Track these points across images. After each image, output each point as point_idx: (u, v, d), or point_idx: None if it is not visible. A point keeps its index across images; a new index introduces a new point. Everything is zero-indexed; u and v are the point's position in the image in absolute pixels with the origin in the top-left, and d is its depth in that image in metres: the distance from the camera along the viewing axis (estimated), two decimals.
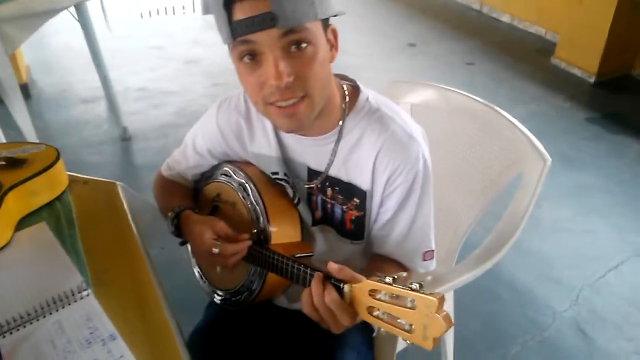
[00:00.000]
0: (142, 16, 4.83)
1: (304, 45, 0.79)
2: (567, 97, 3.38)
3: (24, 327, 0.76)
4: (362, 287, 0.71)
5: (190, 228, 0.99)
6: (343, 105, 0.95)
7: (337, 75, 0.99)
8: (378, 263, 1.02)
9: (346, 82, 0.99)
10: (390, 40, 4.32)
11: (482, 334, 1.82)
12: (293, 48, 0.79)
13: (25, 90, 3.26)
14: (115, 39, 3.77)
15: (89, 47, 2.64)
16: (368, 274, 0.97)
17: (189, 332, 1.11)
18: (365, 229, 1.03)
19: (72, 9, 2.48)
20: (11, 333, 0.75)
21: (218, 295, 1.13)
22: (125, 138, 2.92)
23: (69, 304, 0.79)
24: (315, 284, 0.76)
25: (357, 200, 0.99)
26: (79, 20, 2.53)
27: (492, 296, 1.98)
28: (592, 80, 3.51)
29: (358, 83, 1.00)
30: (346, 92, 0.97)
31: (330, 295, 0.73)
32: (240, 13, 0.75)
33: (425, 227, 1.00)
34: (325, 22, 0.85)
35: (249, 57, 0.80)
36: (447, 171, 1.36)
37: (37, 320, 0.77)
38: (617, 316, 1.89)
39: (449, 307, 1.37)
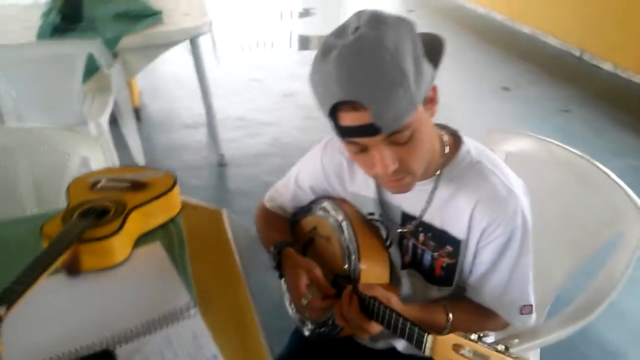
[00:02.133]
0: (243, 49, 5.13)
1: (407, 136, 0.83)
2: None
3: (138, 338, 0.84)
4: (446, 339, 0.73)
5: (289, 268, 1.05)
6: (442, 155, 0.98)
7: (437, 125, 1.02)
8: (475, 304, 1.03)
9: (447, 132, 1.02)
10: (484, 82, 4.29)
11: None
12: (397, 140, 0.83)
13: (137, 113, 3.55)
14: (219, 70, 4.02)
15: (198, 77, 2.85)
16: (460, 307, 1.00)
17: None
18: (455, 277, 1.04)
19: (187, 42, 2.70)
20: (127, 343, 0.83)
21: (304, 325, 1.17)
22: (221, 164, 3.09)
23: (178, 321, 0.87)
24: (344, 297, 0.91)
25: (450, 248, 1.01)
26: (192, 53, 2.74)
27: (580, 357, 1.88)
28: None
29: (460, 134, 1.03)
30: (445, 143, 0.99)
31: (354, 307, 0.88)
32: (345, 120, 0.80)
33: (523, 281, 1.01)
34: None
35: (356, 149, 0.86)
36: (541, 224, 1.33)
37: (150, 333, 0.85)
38: None
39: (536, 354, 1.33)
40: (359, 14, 0.81)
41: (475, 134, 1.41)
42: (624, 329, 1.99)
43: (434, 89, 0.90)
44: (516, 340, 0.69)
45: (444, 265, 1.03)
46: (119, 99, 2.77)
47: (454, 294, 1.08)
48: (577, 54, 4.71)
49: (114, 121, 2.91)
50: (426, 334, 0.77)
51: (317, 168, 1.13)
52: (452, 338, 0.72)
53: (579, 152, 1.31)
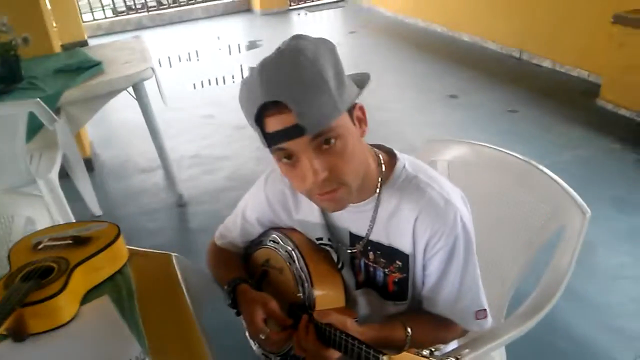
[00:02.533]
0: (194, 87, 5.14)
1: (333, 141, 0.85)
2: (615, 139, 3.31)
3: None
4: (400, 358, 0.74)
5: (245, 305, 1.05)
6: (379, 174, 1.01)
7: (373, 145, 1.05)
8: (430, 315, 1.05)
9: (382, 151, 1.05)
10: (431, 93, 4.40)
11: None
12: (324, 146, 0.85)
13: (89, 163, 3.50)
14: (170, 111, 4.01)
15: (146, 121, 2.85)
16: (418, 320, 1.02)
17: None
18: (408, 291, 1.06)
19: (130, 89, 2.70)
20: None
21: (267, 357, 1.17)
22: (181, 204, 3.07)
23: None
24: (301, 327, 0.92)
25: (400, 263, 1.03)
26: (136, 99, 2.74)
27: (549, 348, 1.91)
28: None
29: (395, 151, 1.05)
30: (382, 161, 1.02)
31: (310, 337, 0.91)
32: (271, 126, 0.83)
33: (474, 287, 1.03)
34: (351, 106, 0.90)
35: (286, 159, 0.88)
36: (490, 226, 1.37)
37: None
38: None
39: (501, 353, 1.36)
40: (283, 42, 0.86)
41: (419, 149, 1.46)
42: (588, 317, 2.05)
43: (362, 110, 0.94)
44: (466, 350, 0.70)
45: (396, 280, 1.05)
46: (68, 153, 2.74)
47: (411, 307, 1.10)
48: (517, 55, 4.88)
49: (66, 175, 2.87)
50: (381, 355, 0.79)
51: (262, 200, 1.14)
52: (406, 356, 0.73)
53: (516, 154, 1.35)
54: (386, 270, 1.05)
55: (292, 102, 0.79)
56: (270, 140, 0.84)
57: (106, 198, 3.22)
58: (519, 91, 4.21)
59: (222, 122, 4.18)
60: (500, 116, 3.84)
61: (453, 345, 1.17)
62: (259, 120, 0.83)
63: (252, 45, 6.58)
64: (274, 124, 0.82)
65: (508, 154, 1.37)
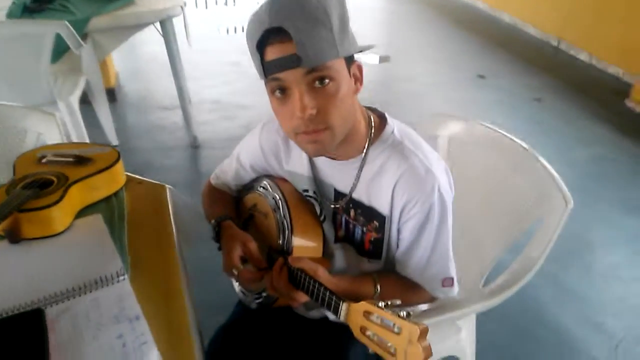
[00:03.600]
0: (227, 32, 5.14)
1: (326, 81, 0.88)
2: (637, 142, 3.26)
3: (68, 300, 0.89)
4: (358, 307, 0.78)
5: (226, 239, 1.10)
6: (368, 134, 1.04)
7: (367, 107, 1.07)
8: (402, 277, 1.10)
9: (374, 114, 1.07)
10: (459, 71, 4.35)
11: None
12: (317, 84, 0.88)
13: (112, 94, 3.57)
14: (197, 53, 4.04)
15: (169, 58, 2.89)
16: (389, 280, 1.07)
17: None
18: (383, 250, 1.10)
19: (157, 24, 2.73)
20: (57, 304, 0.88)
21: (244, 294, 1.23)
22: (194, 145, 3.14)
23: (107, 285, 0.92)
24: (275, 268, 0.98)
25: (377, 224, 1.06)
26: (162, 35, 2.77)
27: (529, 336, 1.96)
28: None
29: (386, 115, 1.08)
30: (372, 123, 1.05)
31: (282, 278, 0.96)
32: (271, 54, 0.86)
33: (443, 256, 1.06)
34: (349, 59, 0.93)
35: (279, 92, 0.90)
36: (479, 205, 1.40)
37: (80, 295, 0.90)
38: None
39: (470, 336, 1.40)
40: None
41: (424, 121, 1.47)
42: (573, 310, 2.08)
43: (360, 68, 0.97)
44: (419, 308, 0.74)
45: (372, 239, 1.09)
46: (91, 80, 2.80)
47: (385, 268, 1.14)
48: (555, 43, 4.76)
49: (88, 102, 2.94)
50: (341, 302, 0.83)
51: (256, 148, 1.18)
52: (363, 305, 0.77)
53: (516, 139, 1.36)
54: (364, 228, 1.09)
55: (293, 30, 0.82)
56: (268, 68, 0.87)
57: (124, 129, 3.30)
58: (549, 80, 4.14)
59: (247, 71, 4.19)
60: (525, 103, 3.79)
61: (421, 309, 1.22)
62: (261, 47, 0.86)
63: None
64: (274, 52, 0.85)
65: (508, 137, 1.37)
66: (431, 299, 1.14)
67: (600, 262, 2.36)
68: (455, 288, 1.11)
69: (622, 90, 3.85)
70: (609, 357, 1.87)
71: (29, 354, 0.78)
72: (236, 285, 1.25)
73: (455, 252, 1.37)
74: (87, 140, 2.63)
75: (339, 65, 0.89)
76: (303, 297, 0.97)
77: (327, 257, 1.14)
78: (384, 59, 4.55)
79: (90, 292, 0.91)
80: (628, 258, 2.37)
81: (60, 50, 2.43)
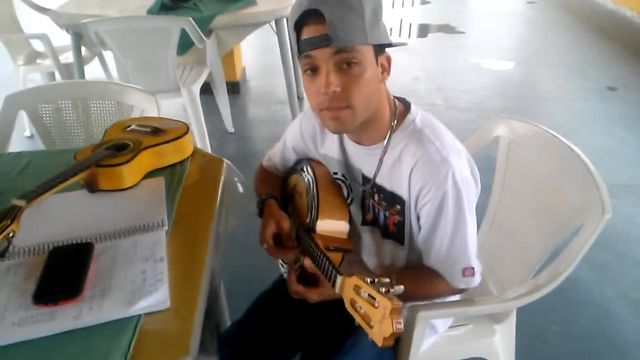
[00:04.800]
0: None
1: (352, 63, 0.96)
2: None
3: (114, 239, 1.08)
4: (350, 281, 0.85)
5: (265, 216, 1.22)
6: (392, 122, 1.10)
7: (395, 97, 1.13)
8: (424, 270, 1.14)
9: (400, 102, 1.13)
10: (589, 80, 4.05)
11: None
12: (344, 65, 0.96)
13: (237, 87, 3.91)
14: None
15: (281, 55, 3.11)
16: (405, 272, 1.15)
17: None
18: (405, 234, 1.15)
19: (273, 23, 2.96)
20: (106, 241, 1.08)
21: (282, 266, 1.35)
22: None
23: (148, 232, 1.10)
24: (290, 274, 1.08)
25: (398, 207, 1.12)
26: (276, 33, 2.99)
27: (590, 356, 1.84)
28: None
29: (412, 105, 1.13)
30: (397, 110, 1.10)
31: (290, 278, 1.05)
32: (306, 34, 0.96)
33: (463, 245, 1.08)
34: (378, 49, 1.00)
35: (310, 70, 1.00)
36: (530, 207, 1.37)
37: (125, 236, 1.09)
38: None
39: (508, 335, 1.38)
40: None
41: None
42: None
43: (389, 60, 1.04)
44: (401, 287, 0.79)
45: (395, 222, 1.14)
46: (214, 72, 3.12)
47: (411, 256, 1.19)
48: None
49: (211, 93, 3.27)
50: (337, 274, 0.91)
51: (297, 131, 1.30)
52: (354, 280, 0.84)
53: (573, 146, 1.31)
54: (387, 212, 1.15)
55: (328, 13, 0.92)
56: (301, 46, 0.97)
57: (242, 119, 3.60)
58: None
59: None
60: None
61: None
62: (298, 27, 0.97)
63: (424, 1, 6.51)
64: (308, 31, 0.95)
65: (566, 144, 1.32)
66: (453, 291, 1.16)
67: None
68: (477, 278, 1.12)
69: None
70: None
71: (72, 274, 0.97)
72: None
73: (501, 253, 1.36)
74: (204, 127, 2.94)
75: (367, 52, 0.97)
76: (313, 295, 1.06)
77: (354, 238, 1.22)
78: (507, 65, 4.38)
79: (134, 235, 1.09)
80: None
81: (187, 44, 2.75)
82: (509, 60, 4.54)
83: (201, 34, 2.62)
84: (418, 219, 1.10)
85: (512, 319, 1.37)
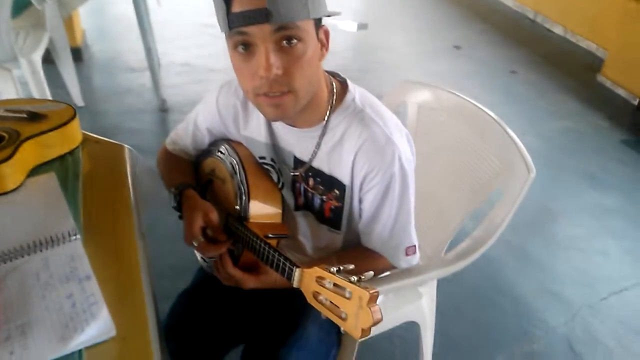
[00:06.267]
0: None
1: (294, 41, 0.84)
2: (606, 117, 3.31)
3: (16, 259, 0.86)
4: (310, 272, 0.77)
5: (187, 209, 1.06)
6: (330, 102, 1.01)
7: (328, 73, 1.04)
8: (363, 250, 1.10)
9: (336, 80, 1.04)
10: (437, 41, 4.33)
11: (469, 337, 1.86)
12: (284, 43, 0.84)
13: (79, 53, 3.45)
14: (168, 13, 3.92)
15: (137, 17, 2.79)
16: (347, 253, 1.07)
17: None
18: (342, 220, 1.09)
19: None
20: (5, 263, 0.85)
21: (204, 261, 1.22)
22: (163, 109, 3.07)
23: (58, 245, 0.89)
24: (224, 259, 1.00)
25: (337, 192, 1.05)
26: None
27: (489, 303, 2.00)
28: (636, 102, 3.42)
29: (348, 82, 1.05)
30: (334, 89, 1.02)
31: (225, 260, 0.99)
32: (238, 6, 0.81)
33: (406, 225, 1.06)
34: (318, 23, 0.90)
35: (242, 47, 0.85)
36: (444, 172, 1.41)
37: (29, 254, 0.87)
38: (611, 339, 1.89)
39: (430, 302, 1.42)
40: None
41: (393, 88, 1.46)
42: (533, 279, 2.13)
43: (327, 34, 0.93)
44: (371, 273, 0.73)
45: (332, 207, 1.08)
46: (55, 37, 2.69)
47: (347, 240, 1.13)
48: (531, 16, 4.77)
49: (52, 62, 2.83)
50: (295, 267, 0.82)
51: (213, 110, 1.14)
52: (316, 271, 0.76)
53: (485, 109, 1.35)
54: (324, 197, 1.07)
55: None
56: (234, 20, 0.82)
57: (91, 90, 3.20)
58: (524, 53, 4.16)
59: (220, 35, 4.08)
60: (500, 75, 3.81)
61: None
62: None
63: None
64: (242, 3, 0.80)
65: (477, 106, 1.37)
66: (391, 267, 1.14)
67: (562, 233, 2.42)
68: (417, 256, 1.11)
69: (594, 65, 3.88)
70: (566, 326, 1.93)
71: None
72: (197, 252, 1.24)
73: (419, 220, 1.38)
74: (45, 95, 2.54)
75: (308, 27, 0.86)
76: (250, 282, 0.99)
77: (288, 222, 1.13)
78: (361, 27, 4.50)
79: (41, 251, 0.88)
80: (590, 230, 2.43)
81: (22, 4, 2.33)
82: (362, 22, 4.65)
83: None
84: (360, 202, 1.05)
85: (434, 280, 1.42)
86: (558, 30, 4.47)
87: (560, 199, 2.63)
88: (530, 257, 2.24)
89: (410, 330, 1.44)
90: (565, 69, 3.94)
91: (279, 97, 0.89)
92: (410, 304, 1.38)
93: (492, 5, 5.16)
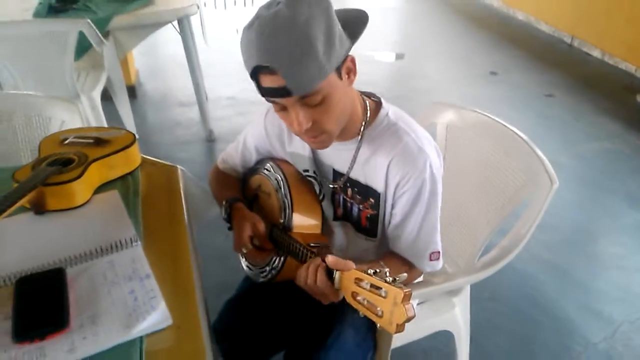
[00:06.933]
0: (237, 32, 5.25)
1: (318, 99, 0.96)
2: None
3: (86, 261, 0.99)
4: (350, 275, 0.86)
5: (237, 220, 1.19)
6: (364, 117, 1.12)
7: (363, 93, 1.16)
8: (390, 256, 1.18)
9: (370, 99, 1.15)
10: (473, 67, 4.40)
11: (506, 351, 1.88)
12: (310, 102, 0.96)
13: (133, 91, 3.71)
14: (214, 52, 4.16)
15: (187, 56, 3.00)
16: (391, 261, 1.16)
17: None
18: (378, 227, 1.18)
19: (176, 23, 2.85)
20: (77, 265, 0.99)
21: (250, 270, 1.32)
22: (210, 139, 3.25)
23: (122, 250, 1.02)
24: (311, 268, 0.95)
25: (372, 200, 1.15)
26: (179, 33, 2.89)
27: (528, 319, 2.02)
28: None
29: (382, 100, 1.16)
30: (368, 107, 1.13)
31: (320, 278, 0.92)
32: (264, 82, 0.93)
33: (432, 230, 1.14)
34: (341, 63, 0.97)
35: (278, 107, 1.00)
36: (473, 188, 1.48)
37: (97, 258, 1.00)
38: None
39: (464, 313, 1.48)
40: None
41: (423, 109, 1.55)
42: (574, 296, 2.14)
43: (353, 60, 1.02)
44: (404, 275, 0.82)
45: (368, 215, 1.18)
46: (112, 76, 2.93)
47: (379, 249, 1.22)
48: (568, 40, 4.78)
49: (110, 98, 3.07)
50: (335, 271, 0.91)
51: (261, 131, 1.28)
52: (355, 273, 0.85)
53: (509, 126, 1.42)
54: (360, 206, 1.18)
55: (280, 69, 0.89)
56: (264, 93, 0.95)
57: (144, 124, 3.43)
58: (561, 76, 4.17)
59: None
60: (537, 98, 3.83)
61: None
62: (254, 76, 0.94)
63: None
64: (267, 81, 0.92)
65: (501, 123, 1.44)
66: (421, 274, 1.22)
67: (603, 252, 2.41)
68: (441, 261, 1.18)
69: (634, 86, 3.86)
70: (606, 342, 1.92)
71: (51, 305, 0.88)
72: (243, 261, 1.35)
73: (450, 233, 1.46)
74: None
75: (329, 79, 0.95)
76: (337, 297, 0.96)
77: (326, 233, 1.23)
78: (399, 57, 4.63)
79: (107, 254, 1.01)
80: (630, 249, 2.41)
81: (83, 47, 2.56)
82: (399, 52, 4.78)
83: (100, 36, 2.45)
84: (392, 207, 1.14)
85: (467, 290, 1.48)
86: (596, 53, 4.47)
87: (600, 219, 2.62)
88: (570, 276, 2.24)
89: (446, 343, 1.49)
90: (603, 91, 3.93)
91: (315, 138, 1.03)
92: (443, 314, 1.44)
93: (528, 31, 5.20)
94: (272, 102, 0.98)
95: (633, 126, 3.41)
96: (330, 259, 0.91)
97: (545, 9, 5.09)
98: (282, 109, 0.99)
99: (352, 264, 0.91)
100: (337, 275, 0.90)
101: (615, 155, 3.12)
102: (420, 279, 1.31)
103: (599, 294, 2.16)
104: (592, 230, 2.54)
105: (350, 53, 0.99)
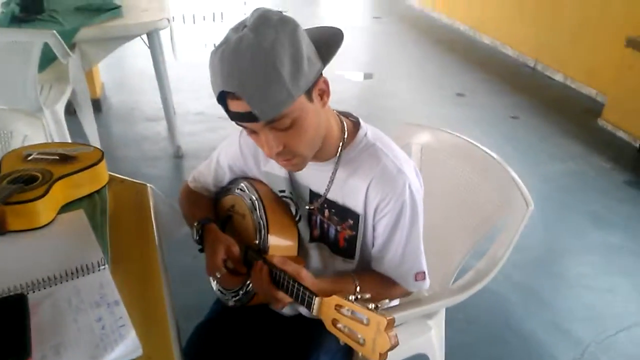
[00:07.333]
0: (212, 46, 5.21)
1: (287, 123, 0.93)
2: (608, 159, 3.38)
3: (50, 286, 0.94)
4: (329, 301, 0.83)
5: (209, 242, 1.15)
6: (342, 138, 1.10)
7: (340, 113, 1.14)
8: (367, 272, 1.16)
9: (347, 119, 1.13)
10: (440, 88, 4.47)
11: None
12: (278, 126, 0.93)
13: (98, 104, 3.62)
14: (183, 67, 4.10)
15: (155, 70, 2.95)
16: (367, 277, 1.13)
17: None
18: (356, 248, 1.16)
19: (145, 37, 2.79)
20: (39, 290, 0.93)
21: (222, 293, 1.28)
22: (178, 155, 3.19)
23: (88, 274, 0.97)
24: (255, 270, 1.03)
25: (351, 222, 1.13)
26: (149, 47, 2.83)
27: (499, 340, 2.03)
28: (637, 144, 3.49)
29: (360, 120, 1.15)
30: (345, 128, 1.11)
31: (264, 278, 1.00)
32: (231, 107, 0.91)
33: (416, 251, 1.13)
34: (311, 86, 0.94)
35: (248, 131, 0.98)
36: (447, 208, 1.47)
37: (61, 282, 0.95)
38: None
39: (439, 336, 1.46)
40: (253, 12, 0.91)
41: (396, 130, 1.55)
42: (542, 316, 2.15)
43: (325, 82, 0.99)
44: (387, 301, 0.79)
45: (347, 237, 1.15)
46: (77, 89, 2.84)
47: (359, 268, 1.20)
48: (532, 64, 4.92)
49: (74, 112, 2.98)
50: (314, 297, 0.88)
51: (236, 149, 1.24)
52: (335, 299, 0.83)
53: (483, 147, 1.43)
54: (338, 227, 1.15)
55: (244, 95, 0.87)
56: (232, 117, 0.93)
57: (109, 139, 3.34)
58: (525, 99, 4.27)
59: None
60: (502, 120, 3.91)
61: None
62: (221, 101, 0.92)
63: None
64: (234, 106, 0.90)
65: (476, 145, 1.45)
66: (406, 293, 1.20)
67: (569, 271, 2.45)
68: (427, 282, 1.17)
69: (595, 109, 3.98)
70: None
71: (11, 334, 0.82)
72: (214, 284, 1.30)
73: (427, 254, 1.44)
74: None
75: (299, 103, 0.92)
76: (286, 299, 1.00)
77: (302, 255, 1.20)
78: (367, 76, 4.67)
79: (72, 279, 0.96)
80: (596, 268, 2.46)
81: (47, 59, 2.47)
82: (368, 72, 4.83)
83: (66, 47, 2.38)
84: (373, 229, 1.12)
85: (442, 312, 1.46)
86: (558, 77, 4.61)
87: (566, 238, 2.67)
88: (539, 295, 2.27)
89: None
90: (566, 114, 4.04)
91: (288, 161, 1.01)
92: (419, 337, 1.42)
93: (493, 55, 5.33)
94: (242, 126, 0.96)
95: (595, 148, 3.50)
96: (276, 258, 1.00)
97: (510, 34, 5.24)
98: (253, 132, 0.97)
99: (302, 270, 0.99)
100: (315, 301, 0.88)
101: (579, 176, 3.20)
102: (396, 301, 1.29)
103: (567, 313, 2.18)
104: (559, 250, 2.58)
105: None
